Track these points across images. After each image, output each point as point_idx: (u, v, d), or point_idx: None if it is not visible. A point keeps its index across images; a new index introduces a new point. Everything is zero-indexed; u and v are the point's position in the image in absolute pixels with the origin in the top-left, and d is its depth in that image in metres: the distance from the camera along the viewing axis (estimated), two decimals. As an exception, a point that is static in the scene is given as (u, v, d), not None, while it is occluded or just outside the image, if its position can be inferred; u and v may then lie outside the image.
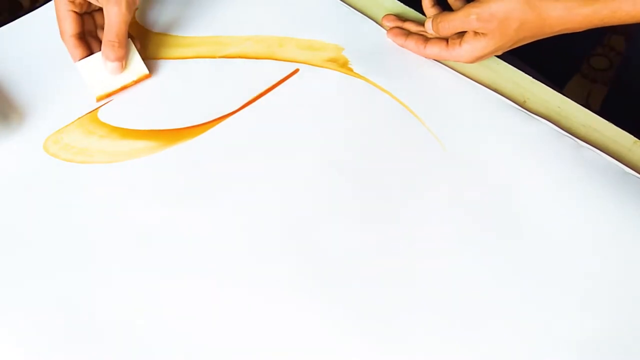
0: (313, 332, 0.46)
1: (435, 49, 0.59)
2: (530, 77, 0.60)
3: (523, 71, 0.60)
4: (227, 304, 0.47)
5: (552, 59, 0.74)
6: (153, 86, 0.58)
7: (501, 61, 0.61)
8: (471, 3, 0.55)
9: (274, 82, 0.59)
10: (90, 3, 0.56)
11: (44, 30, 0.61)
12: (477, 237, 0.50)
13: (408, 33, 0.61)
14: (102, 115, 0.56)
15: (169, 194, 0.52)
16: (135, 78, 0.58)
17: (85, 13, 0.57)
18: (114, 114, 0.56)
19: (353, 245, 0.49)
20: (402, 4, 0.66)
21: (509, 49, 0.57)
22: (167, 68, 0.60)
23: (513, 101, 0.58)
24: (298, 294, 0.47)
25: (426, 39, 0.60)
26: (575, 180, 0.53)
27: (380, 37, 0.62)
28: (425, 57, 0.60)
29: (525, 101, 0.59)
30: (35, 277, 0.47)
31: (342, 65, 0.60)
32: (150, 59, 0.60)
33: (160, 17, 0.63)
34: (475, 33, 0.56)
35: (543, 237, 0.50)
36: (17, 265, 0.48)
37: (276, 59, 0.60)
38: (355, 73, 0.59)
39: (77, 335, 0.45)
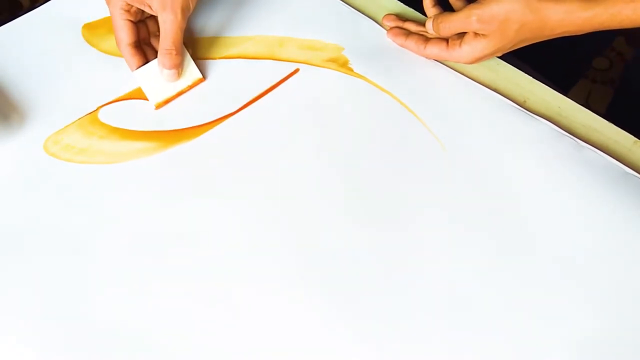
0: (313, 332, 0.45)
1: (435, 49, 0.59)
2: (530, 77, 0.60)
3: (523, 72, 0.60)
4: (227, 304, 0.47)
5: (556, 64, 0.74)
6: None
7: (501, 61, 0.61)
8: (472, 4, 0.55)
9: (274, 82, 0.59)
10: (144, 11, 0.56)
11: (44, 30, 0.61)
12: (476, 236, 0.50)
13: (408, 33, 0.61)
14: (102, 116, 0.56)
15: (169, 194, 0.52)
16: (190, 83, 0.58)
17: (139, 21, 0.57)
18: (114, 114, 0.56)
19: (352, 245, 0.49)
20: (402, 4, 0.66)
21: (509, 51, 0.57)
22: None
23: (513, 101, 0.58)
24: (298, 294, 0.47)
25: (426, 39, 0.60)
26: (575, 180, 0.53)
27: (380, 37, 0.62)
28: (425, 58, 0.60)
29: (525, 101, 0.59)
30: (35, 277, 0.47)
31: (342, 65, 0.60)
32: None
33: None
34: (476, 34, 0.56)
35: (543, 237, 0.50)
36: (17, 265, 0.48)
37: (276, 59, 0.60)
38: (355, 73, 0.59)
39: (77, 336, 0.45)
